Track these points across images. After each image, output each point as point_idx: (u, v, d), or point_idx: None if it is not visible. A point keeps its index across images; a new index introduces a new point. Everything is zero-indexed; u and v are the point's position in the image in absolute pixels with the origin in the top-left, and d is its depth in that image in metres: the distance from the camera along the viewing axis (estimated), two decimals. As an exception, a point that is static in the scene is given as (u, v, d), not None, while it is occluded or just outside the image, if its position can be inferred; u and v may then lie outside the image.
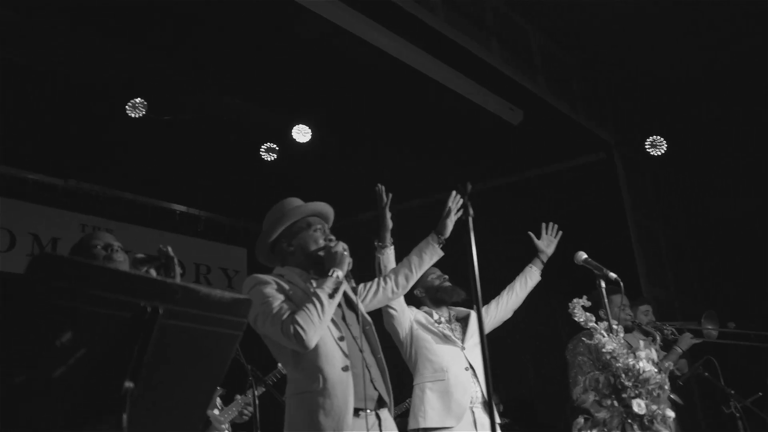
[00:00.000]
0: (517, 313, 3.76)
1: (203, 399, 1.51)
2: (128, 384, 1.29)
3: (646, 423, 2.34)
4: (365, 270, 2.97)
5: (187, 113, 6.15)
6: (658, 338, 4.17)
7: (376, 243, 3.10)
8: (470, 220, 1.99)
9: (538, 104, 5.44)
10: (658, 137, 6.09)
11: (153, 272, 2.20)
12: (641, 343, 3.55)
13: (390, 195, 3.08)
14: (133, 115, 5.85)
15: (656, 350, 4.14)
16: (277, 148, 6.64)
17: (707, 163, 7.06)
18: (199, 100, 6.03)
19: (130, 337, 1.29)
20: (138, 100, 5.85)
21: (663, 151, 6.12)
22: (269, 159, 6.68)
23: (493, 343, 5.30)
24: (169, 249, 2.25)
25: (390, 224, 3.09)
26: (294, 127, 6.29)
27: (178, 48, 4.98)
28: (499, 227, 6.13)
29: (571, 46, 5.75)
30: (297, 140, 6.33)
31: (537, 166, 6.51)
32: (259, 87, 5.71)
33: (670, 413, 2.40)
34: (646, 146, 6.11)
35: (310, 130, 6.33)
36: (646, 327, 4.47)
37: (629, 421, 2.35)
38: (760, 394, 3.99)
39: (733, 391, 3.85)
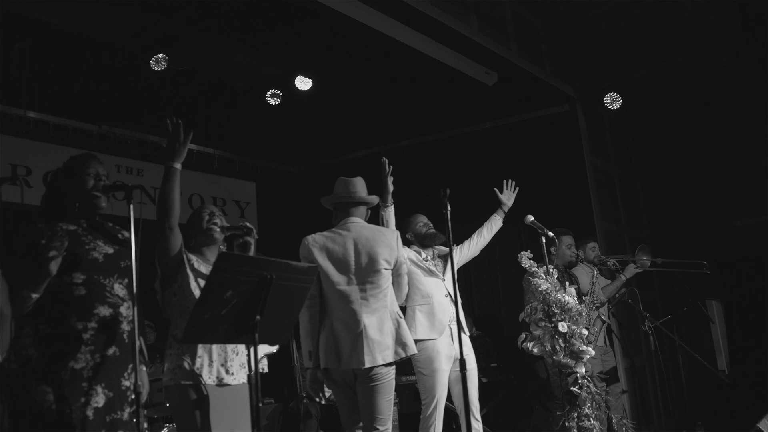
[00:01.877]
0: (493, 245, 4.80)
1: (290, 323, 2.58)
2: (257, 317, 2.33)
3: (567, 338, 3.44)
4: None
5: (202, 66, 7.02)
6: (595, 271, 5.27)
7: (380, 203, 4.04)
8: (448, 214, 2.95)
9: (510, 67, 6.35)
10: (616, 93, 7.03)
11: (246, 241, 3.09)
12: (581, 278, 4.69)
13: (391, 167, 4.02)
14: (156, 68, 6.70)
15: (597, 279, 5.27)
16: (280, 94, 7.50)
17: (658, 112, 8.08)
18: (213, 54, 6.89)
19: (259, 292, 2.32)
20: (161, 55, 6.69)
21: (619, 105, 7.08)
22: (274, 104, 7.55)
23: (473, 272, 6.46)
24: (248, 223, 3.17)
25: (391, 188, 4.01)
26: (297, 77, 7.17)
27: (194, 8, 5.85)
28: (474, 172, 7.18)
29: (541, 12, 6.61)
30: (299, 88, 7.22)
31: (509, 116, 7.47)
32: (264, 44, 6.62)
33: (584, 331, 3.50)
34: (605, 101, 7.05)
35: (310, 80, 7.21)
36: (593, 261, 5.58)
37: (556, 336, 3.46)
38: (669, 316, 5.15)
39: (648, 314, 5.00)
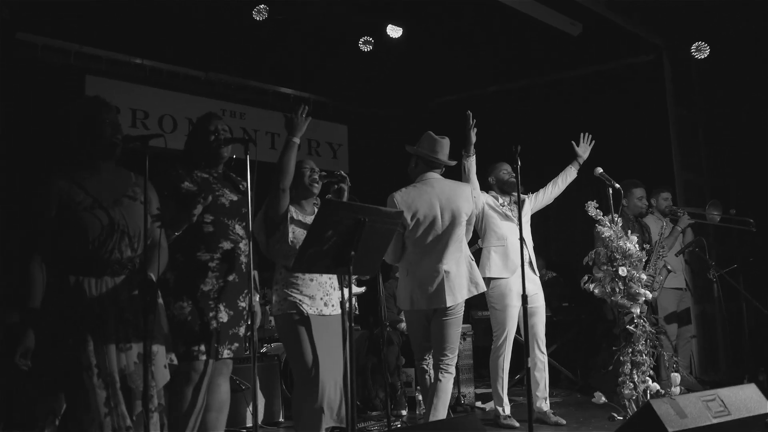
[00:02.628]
0: (572, 193, 5.13)
1: (378, 258, 3.07)
2: (352, 252, 2.83)
3: (627, 281, 3.80)
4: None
5: (300, 15, 7.47)
6: (665, 221, 5.52)
7: (462, 152, 4.41)
8: (518, 168, 3.32)
9: (596, 17, 6.50)
10: (703, 42, 7.05)
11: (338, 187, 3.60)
12: (652, 227, 4.99)
13: (475, 120, 4.37)
14: (257, 18, 7.20)
15: (665, 229, 5.52)
16: (372, 41, 7.88)
17: (748, 64, 7.96)
18: (310, 4, 7.32)
19: (354, 231, 2.81)
20: (262, 6, 7.18)
21: (706, 55, 7.09)
22: (366, 50, 7.94)
23: (553, 218, 6.75)
24: (342, 172, 3.65)
25: (473, 139, 4.34)
26: (388, 25, 7.53)
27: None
28: (557, 120, 7.41)
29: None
30: (390, 35, 7.58)
31: (596, 64, 7.60)
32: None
33: (643, 276, 3.85)
34: (692, 50, 7.09)
35: (400, 29, 7.55)
36: (663, 210, 5.81)
37: (616, 279, 3.82)
38: (735, 266, 5.37)
39: (713, 263, 5.24)
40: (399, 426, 5.09)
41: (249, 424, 4.76)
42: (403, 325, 5.61)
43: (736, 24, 7.11)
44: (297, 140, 3.48)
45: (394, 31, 7.59)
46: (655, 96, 7.17)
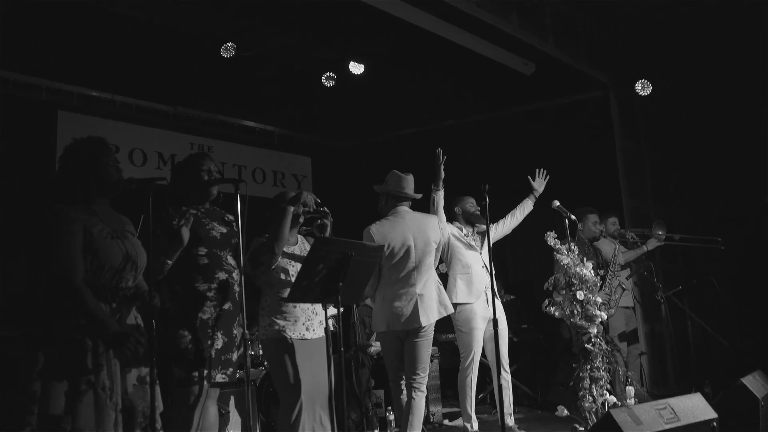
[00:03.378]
0: (527, 223, 5.50)
1: (362, 287, 3.36)
2: (340, 283, 3.11)
3: (584, 304, 4.16)
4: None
5: (266, 51, 7.78)
6: (616, 243, 5.95)
7: (432, 186, 4.78)
8: (486, 205, 3.65)
9: (547, 58, 6.97)
10: (646, 81, 7.58)
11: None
12: (603, 249, 5.37)
13: (444, 157, 4.74)
14: (225, 55, 7.48)
15: (617, 251, 5.94)
16: (335, 77, 8.22)
17: (693, 98, 8.53)
18: (274, 41, 7.64)
19: (342, 265, 3.10)
20: (229, 44, 7.47)
21: (649, 92, 7.62)
22: (329, 85, 8.28)
23: (509, 246, 7.09)
24: (325, 208, 3.94)
25: (442, 175, 4.74)
26: (350, 62, 7.89)
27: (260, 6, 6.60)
28: (512, 151, 7.85)
29: (580, 6, 7.17)
30: (352, 72, 7.93)
31: (548, 99, 8.08)
32: (320, 33, 7.34)
33: (599, 299, 4.22)
34: (637, 88, 7.61)
35: (363, 65, 7.92)
36: (612, 234, 6.24)
37: (575, 302, 4.18)
38: (680, 287, 5.82)
39: (660, 285, 5.68)
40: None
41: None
42: (373, 348, 5.89)
43: (676, 62, 7.69)
44: (291, 209, 3.73)
45: (356, 68, 7.95)
46: (603, 129, 7.66)
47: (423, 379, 4.37)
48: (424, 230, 4.47)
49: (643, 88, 7.60)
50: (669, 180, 8.37)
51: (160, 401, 3.02)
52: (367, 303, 5.64)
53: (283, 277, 3.69)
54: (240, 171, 8.09)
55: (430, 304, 4.37)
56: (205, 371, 3.33)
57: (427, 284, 4.40)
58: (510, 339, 5.47)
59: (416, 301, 4.30)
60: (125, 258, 2.95)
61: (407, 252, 4.36)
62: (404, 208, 4.55)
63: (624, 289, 5.77)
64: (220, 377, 3.40)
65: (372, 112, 8.90)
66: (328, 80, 8.35)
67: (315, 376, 3.71)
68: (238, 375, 3.54)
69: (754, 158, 8.07)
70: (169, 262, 3.31)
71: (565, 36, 7.14)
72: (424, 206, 4.80)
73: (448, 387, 6.44)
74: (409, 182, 4.57)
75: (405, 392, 4.39)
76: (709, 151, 8.49)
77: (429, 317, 4.33)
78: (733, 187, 8.04)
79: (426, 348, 4.41)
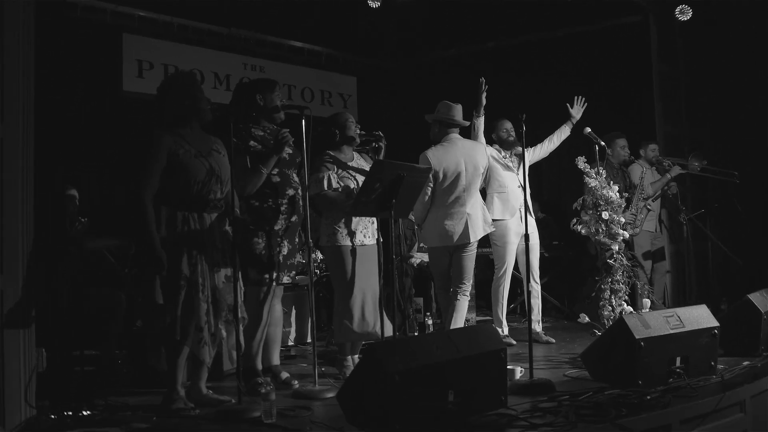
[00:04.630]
0: (563, 145, 5.87)
1: (412, 203, 3.88)
2: (394, 200, 3.60)
3: (608, 223, 4.60)
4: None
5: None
6: (645, 168, 6.30)
7: (473, 113, 5.24)
8: (523, 133, 4.05)
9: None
10: (686, 6, 7.71)
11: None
12: (633, 173, 5.75)
13: (487, 86, 5.13)
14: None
15: (645, 175, 6.29)
16: (380, -1, 8.47)
17: (728, 27, 8.60)
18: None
19: (395, 184, 3.58)
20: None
21: (689, 17, 7.76)
22: (374, 6, 8.54)
23: (546, 168, 7.51)
24: (380, 132, 4.37)
25: (484, 102, 5.20)
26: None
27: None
28: (551, 75, 8.12)
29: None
30: (397, -6, 8.19)
31: (586, 24, 8.26)
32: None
33: (622, 219, 4.66)
34: (676, 13, 7.75)
35: (409, -13, 8.16)
36: (650, 160, 6.57)
37: (600, 222, 4.62)
38: (702, 210, 6.19)
39: (684, 207, 6.06)
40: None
41: (290, 342, 5.64)
42: (414, 259, 6.44)
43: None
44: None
45: (402, -10, 8.19)
46: (641, 54, 7.85)
47: (467, 287, 5.06)
48: (473, 156, 5.01)
49: (682, 12, 7.74)
50: (704, 105, 8.58)
51: (239, 296, 3.60)
52: (410, 218, 6.14)
53: (351, 185, 4.19)
54: (290, 90, 8.50)
55: (477, 223, 4.97)
56: (275, 273, 3.89)
57: (475, 205, 5.00)
58: (541, 254, 5.96)
59: (466, 220, 4.91)
60: (209, 173, 3.47)
61: (458, 176, 4.91)
62: (455, 135, 5.07)
63: (649, 210, 6.17)
64: (286, 279, 3.97)
65: (415, 34, 9.18)
66: (374, 2, 8.59)
67: (371, 280, 4.25)
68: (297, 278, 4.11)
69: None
70: (265, 171, 3.80)
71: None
72: (466, 133, 5.23)
73: (481, 297, 7.00)
74: (458, 111, 5.06)
75: (448, 298, 4.99)
76: (742, 79, 8.66)
77: (476, 233, 4.95)
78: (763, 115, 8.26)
79: (471, 260, 5.09)
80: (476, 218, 4.96)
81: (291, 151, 4.02)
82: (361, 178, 4.14)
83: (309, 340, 6.00)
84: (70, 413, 3.40)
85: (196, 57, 7.75)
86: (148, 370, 4.16)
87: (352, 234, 4.20)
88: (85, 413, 3.43)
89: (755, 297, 4.59)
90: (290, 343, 5.82)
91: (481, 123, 5.26)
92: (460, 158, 4.94)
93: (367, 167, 4.25)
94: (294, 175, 4.02)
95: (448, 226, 4.89)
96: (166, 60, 7.49)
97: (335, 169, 4.23)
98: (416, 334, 6.26)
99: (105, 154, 6.80)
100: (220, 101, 7.26)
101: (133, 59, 7.23)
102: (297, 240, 4.06)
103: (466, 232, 4.91)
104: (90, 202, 6.16)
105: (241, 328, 3.56)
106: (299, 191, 3.99)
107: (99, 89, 6.97)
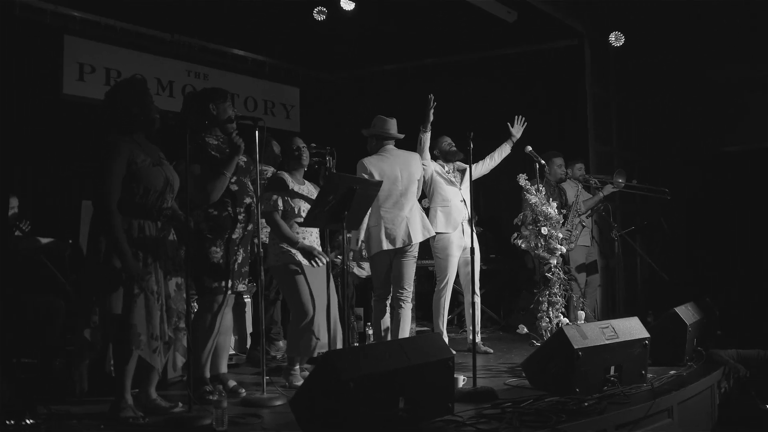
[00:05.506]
0: (501, 163, 6.08)
1: (363, 216, 3.96)
2: (345, 212, 3.69)
3: (547, 239, 4.81)
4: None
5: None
6: (579, 186, 6.59)
7: (420, 128, 5.41)
8: (470, 150, 4.22)
9: (528, 7, 7.43)
10: (619, 32, 8.09)
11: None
12: (568, 191, 5.99)
13: (435, 103, 5.29)
14: (222, -14, 7.78)
15: (580, 193, 6.58)
16: (326, 11, 8.56)
17: (660, 48, 9.06)
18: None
19: (347, 197, 3.67)
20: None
21: (622, 43, 8.14)
22: (320, 19, 8.63)
23: (482, 184, 7.66)
24: (329, 147, 4.46)
25: (431, 118, 5.36)
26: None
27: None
28: (490, 94, 8.38)
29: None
30: (343, 7, 8.29)
31: (525, 44, 8.57)
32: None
33: (560, 234, 4.87)
34: (610, 39, 8.12)
35: (353, 2, 8.27)
36: (578, 178, 6.86)
37: (539, 237, 4.82)
38: (632, 227, 6.52)
39: (615, 224, 6.36)
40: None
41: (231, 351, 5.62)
42: (355, 269, 6.54)
43: (648, 17, 8.18)
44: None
45: (347, 4, 8.30)
46: (575, 76, 8.20)
47: (409, 294, 5.19)
48: (408, 164, 5.21)
49: (616, 39, 8.11)
50: (633, 126, 9.01)
51: (184, 304, 3.62)
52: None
53: (295, 209, 4.27)
54: (233, 99, 8.42)
55: (416, 227, 5.15)
56: (230, 282, 3.92)
57: (413, 210, 5.19)
58: (480, 267, 6.13)
59: (406, 224, 5.09)
60: (165, 182, 3.49)
61: (395, 181, 5.10)
62: (391, 146, 5.26)
63: (584, 227, 6.45)
64: (241, 287, 4.01)
65: (358, 48, 9.32)
66: (319, 14, 8.68)
67: (322, 296, 4.32)
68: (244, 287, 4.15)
69: (710, 110, 8.74)
70: (228, 174, 3.82)
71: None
72: (407, 145, 5.40)
73: (420, 308, 7.14)
74: (393, 124, 5.26)
75: (384, 307, 5.16)
76: (672, 102, 9.14)
77: (416, 236, 5.12)
78: (690, 136, 8.73)
79: (411, 266, 5.23)
80: (415, 222, 5.14)
81: (246, 159, 4.07)
82: (307, 206, 4.23)
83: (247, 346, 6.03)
84: (12, 422, 3.35)
85: (139, 62, 7.67)
86: (92, 378, 4.10)
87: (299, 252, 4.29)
88: (28, 422, 3.38)
89: (681, 310, 4.88)
90: (231, 352, 5.81)
91: (427, 138, 5.43)
92: (396, 166, 5.13)
93: (314, 194, 4.35)
94: (249, 183, 4.07)
95: (389, 230, 5.06)
96: (108, 64, 7.39)
97: (286, 190, 4.30)
98: (356, 344, 6.35)
99: (43, 157, 6.66)
100: (163, 108, 7.40)
101: (74, 62, 7.11)
102: (249, 248, 4.10)
103: (407, 234, 5.08)
104: (29, 206, 6.02)
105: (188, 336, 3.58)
106: (254, 199, 4.03)
107: (38, 91, 6.82)
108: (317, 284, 4.30)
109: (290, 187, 4.31)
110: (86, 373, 3.89)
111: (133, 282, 3.32)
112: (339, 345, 4.31)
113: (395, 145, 5.27)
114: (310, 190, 4.44)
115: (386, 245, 5.06)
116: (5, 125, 6.21)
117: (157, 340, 3.43)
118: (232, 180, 3.94)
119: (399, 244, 5.06)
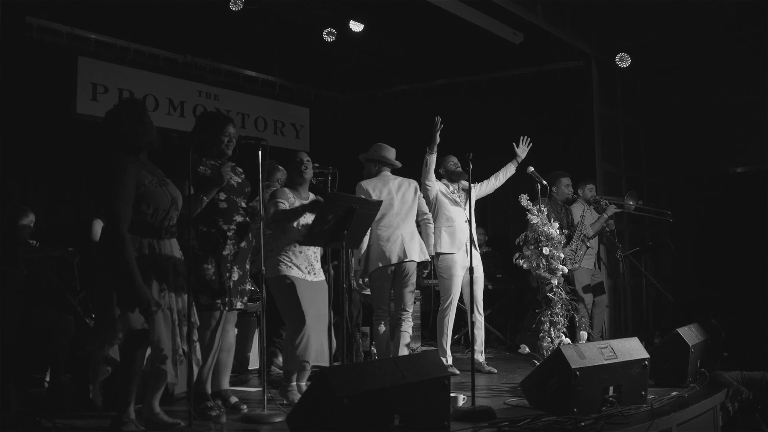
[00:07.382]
0: (508, 182, 6.14)
1: (363, 235, 4.01)
2: (345, 231, 3.75)
3: (549, 259, 4.84)
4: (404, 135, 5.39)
5: (271, 6, 8.22)
6: (586, 207, 6.61)
7: (426, 149, 5.51)
8: (470, 171, 4.28)
9: (535, 29, 7.51)
10: (625, 54, 8.14)
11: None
12: (575, 212, 6.02)
13: (442, 125, 5.38)
14: (233, 8, 7.92)
15: (586, 213, 6.59)
16: (335, 32, 8.69)
17: (666, 68, 9.10)
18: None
19: (347, 216, 3.73)
20: (239, -6, 7.90)
21: (628, 64, 8.19)
22: (329, 40, 8.76)
23: (490, 204, 7.82)
24: (331, 168, 4.54)
25: (437, 140, 5.47)
26: (350, 21, 8.37)
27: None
28: (497, 113, 8.45)
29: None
30: (352, 29, 8.42)
31: (533, 65, 8.65)
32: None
33: (562, 254, 4.90)
34: (616, 60, 8.17)
35: (362, 24, 8.40)
36: (588, 199, 6.88)
37: (540, 257, 4.86)
38: (638, 248, 6.53)
39: (620, 245, 6.38)
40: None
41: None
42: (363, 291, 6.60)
43: (653, 38, 8.23)
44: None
45: (356, 26, 8.43)
46: (582, 97, 8.25)
47: (409, 315, 5.28)
48: (402, 189, 5.39)
49: (621, 60, 8.17)
50: (641, 146, 9.04)
51: (196, 317, 3.68)
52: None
53: (296, 225, 4.33)
54: (243, 119, 8.62)
55: (413, 246, 5.28)
56: (227, 299, 3.98)
57: (410, 232, 5.33)
58: (485, 286, 6.17)
59: (401, 241, 5.22)
60: (171, 201, 3.56)
61: (392, 202, 5.26)
62: (388, 172, 5.45)
63: (588, 247, 6.46)
64: (239, 305, 4.06)
65: (368, 69, 9.45)
66: (329, 36, 8.81)
67: (318, 310, 4.37)
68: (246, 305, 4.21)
69: (720, 131, 8.76)
70: (206, 199, 3.90)
71: (553, 7, 7.66)
72: (413, 168, 5.49)
73: (425, 328, 7.18)
74: (391, 152, 5.45)
75: (383, 328, 5.29)
76: (680, 121, 9.16)
77: (413, 254, 5.24)
78: (698, 156, 8.76)
79: (411, 290, 5.33)
80: (411, 241, 5.27)
81: (240, 180, 4.15)
82: (308, 218, 4.30)
83: (250, 366, 6.07)
84: (16, 436, 3.41)
85: (151, 82, 7.82)
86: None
87: (296, 266, 4.36)
88: (32, 436, 3.44)
89: (684, 331, 4.87)
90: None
91: (433, 160, 5.51)
92: (393, 189, 5.33)
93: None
94: (242, 202, 4.13)
95: (385, 246, 5.19)
96: (121, 84, 7.53)
97: (287, 201, 4.39)
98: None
99: (56, 175, 6.79)
100: (174, 127, 7.55)
101: (88, 82, 7.25)
102: (247, 266, 4.16)
103: (402, 251, 5.20)
104: (42, 223, 6.13)
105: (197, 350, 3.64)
106: (247, 219, 4.10)
107: (51, 111, 6.96)
108: (313, 299, 4.35)
109: (291, 200, 4.39)
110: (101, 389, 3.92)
111: (149, 303, 3.37)
112: (325, 362, 4.33)
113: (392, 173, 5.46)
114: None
115: (383, 262, 5.17)
116: (18, 143, 6.37)
117: (177, 355, 3.49)
118: (222, 198, 4.01)
119: (395, 260, 5.17)
